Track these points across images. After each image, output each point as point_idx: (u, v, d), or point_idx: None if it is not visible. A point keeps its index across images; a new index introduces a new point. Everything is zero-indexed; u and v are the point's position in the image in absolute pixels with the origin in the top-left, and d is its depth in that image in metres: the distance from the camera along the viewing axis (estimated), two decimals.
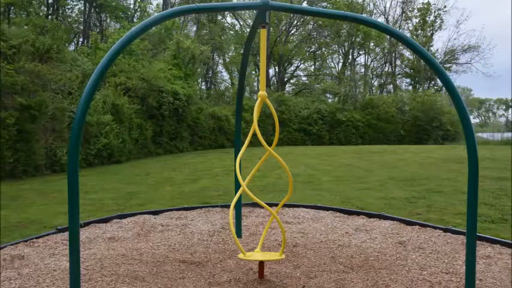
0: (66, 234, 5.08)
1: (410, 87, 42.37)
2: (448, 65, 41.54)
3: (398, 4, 42.93)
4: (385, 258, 4.43)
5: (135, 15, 33.41)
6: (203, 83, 37.44)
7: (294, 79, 43.28)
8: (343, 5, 36.87)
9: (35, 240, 5.06)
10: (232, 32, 40.75)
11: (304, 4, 37.76)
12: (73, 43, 32.71)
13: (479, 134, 38.83)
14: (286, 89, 40.67)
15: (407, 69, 42.88)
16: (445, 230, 5.35)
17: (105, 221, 6.06)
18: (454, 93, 3.20)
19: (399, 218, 6.01)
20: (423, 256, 4.47)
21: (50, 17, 28.77)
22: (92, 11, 31.83)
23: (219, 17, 37.66)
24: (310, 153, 19.52)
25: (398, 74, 43.43)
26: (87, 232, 5.46)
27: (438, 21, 41.55)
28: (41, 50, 13.42)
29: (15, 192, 9.40)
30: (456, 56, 41.99)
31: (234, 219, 5.32)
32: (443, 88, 24.71)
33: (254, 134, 3.79)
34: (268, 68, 35.01)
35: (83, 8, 31.85)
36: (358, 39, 39.89)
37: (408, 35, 38.13)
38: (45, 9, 30.01)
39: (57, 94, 13.77)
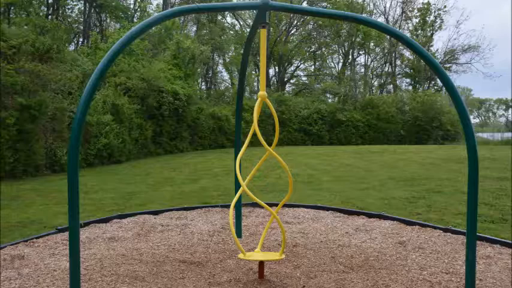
0: (66, 234, 5.07)
1: (410, 87, 42.40)
2: (448, 65, 41.55)
3: (398, 4, 43.01)
4: (385, 258, 4.43)
5: (135, 15, 33.41)
6: (203, 83, 37.46)
7: (294, 79, 43.31)
8: (343, 5, 36.87)
9: (35, 240, 5.06)
10: (232, 32, 40.76)
11: (304, 4, 37.76)
12: (73, 43, 32.72)
13: (479, 134, 38.82)
14: (286, 89, 40.68)
15: (407, 69, 42.89)
16: (445, 230, 5.35)
17: (105, 221, 6.06)
18: (454, 93, 3.20)
19: (399, 218, 6.01)
20: (423, 256, 4.47)
21: (50, 17, 28.76)
22: (92, 11, 31.83)
23: (219, 17, 37.67)
24: (310, 153, 19.53)
25: (398, 74, 43.44)
26: (87, 232, 5.46)
27: (438, 21, 41.62)
28: (41, 50, 13.41)
29: (15, 192, 9.40)
30: (456, 56, 42.03)
31: (234, 219, 5.32)
32: (443, 88, 24.71)
33: (254, 134, 3.79)
34: (268, 68, 35.02)
35: (83, 8, 31.85)
36: (358, 39, 39.89)
37: (408, 35, 38.12)
38: (45, 9, 30.00)
39: (57, 94, 13.77)
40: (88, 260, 4.38)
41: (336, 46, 41.64)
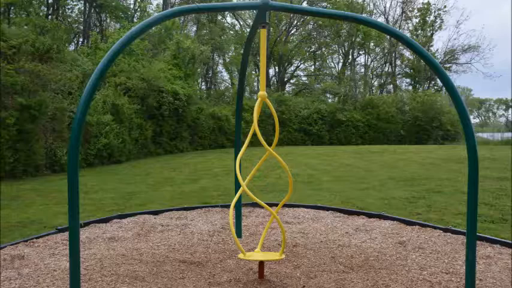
0: (66, 234, 5.07)
1: (410, 87, 42.40)
2: (448, 65, 41.55)
3: (398, 4, 43.01)
4: (385, 258, 4.43)
5: (135, 15, 33.41)
6: (203, 83, 37.47)
7: (294, 79, 43.31)
8: (343, 5, 36.87)
9: (35, 240, 5.06)
10: (232, 32, 40.76)
11: (304, 4, 37.76)
12: (73, 43, 32.73)
13: (479, 134, 38.81)
14: (286, 89, 40.68)
15: (407, 69, 42.89)
16: (445, 230, 5.35)
17: (105, 221, 6.06)
18: (454, 93, 3.20)
19: (399, 218, 6.01)
20: (423, 256, 4.47)
21: (50, 17, 28.77)
22: (92, 11, 31.83)
23: (219, 17, 37.67)
24: (310, 153, 19.52)
25: (398, 74, 43.45)
26: (87, 232, 5.46)
27: (438, 21, 41.62)
28: (41, 50, 13.41)
29: (15, 192, 9.40)
30: (456, 56, 42.03)
31: (234, 219, 5.32)
32: (443, 88, 24.72)
33: (254, 134, 3.79)
34: (268, 68, 35.02)
35: (83, 8, 31.86)
36: (358, 39, 39.89)
37: (408, 35, 38.12)
38: (45, 9, 30.01)
39: (57, 94, 13.77)
40: (88, 260, 4.38)
41: (336, 46, 41.64)
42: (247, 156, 4.05)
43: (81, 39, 32.44)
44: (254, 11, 4.14)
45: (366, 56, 43.17)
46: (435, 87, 40.31)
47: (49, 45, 13.76)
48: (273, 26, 36.68)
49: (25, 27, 21.08)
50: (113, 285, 3.73)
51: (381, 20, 40.52)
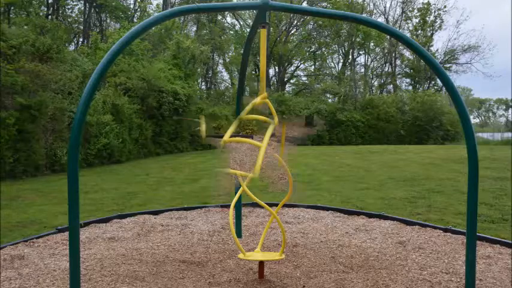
0: (66, 234, 5.07)
1: (410, 87, 42.38)
2: (448, 65, 41.52)
3: (398, 4, 42.97)
4: (385, 258, 4.43)
5: (135, 15, 33.42)
6: (203, 83, 37.47)
7: (294, 79, 43.30)
8: (343, 5, 36.86)
9: (35, 240, 5.06)
10: (232, 32, 40.77)
11: (304, 4, 37.76)
12: (73, 43, 32.73)
13: (479, 134, 38.76)
14: (286, 89, 40.68)
15: (407, 69, 42.87)
16: (445, 230, 5.35)
17: (105, 221, 6.06)
18: (454, 93, 3.20)
19: (399, 218, 6.02)
20: (423, 256, 4.47)
21: (50, 17, 28.77)
22: (92, 11, 31.83)
23: (219, 17, 37.68)
24: (310, 153, 19.52)
25: (399, 74, 43.41)
26: (87, 232, 5.46)
27: (438, 21, 41.57)
28: (41, 50, 13.41)
29: (15, 192, 9.39)
30: (456, 56, 41.98)
31: (234, 219, 5.32)
32: (443, 88, 24.72)
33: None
34: (268, 68, 35.01)
35: (83, 8, 31.86)
36: (358, 39, 39.88)
37: (408, 35, 38.10)
38: (45, 9, 30.01)
39: (57, 94, 13.76)
40: (88, 260, 4.38)
41: (336, 46, 41.62)
42: None
43: (81, 39, 32.44)
44: (254, 11, 4.15)
45: (366, 56, 43.19)
46: (435, 87, 40.28)
47: (49, 45, 13.75)
48: (273, 26, 36.67)
49: (25, 27, 21.09)
50: (113, 285, 3.73)
51: (380, 20, 40.52)
